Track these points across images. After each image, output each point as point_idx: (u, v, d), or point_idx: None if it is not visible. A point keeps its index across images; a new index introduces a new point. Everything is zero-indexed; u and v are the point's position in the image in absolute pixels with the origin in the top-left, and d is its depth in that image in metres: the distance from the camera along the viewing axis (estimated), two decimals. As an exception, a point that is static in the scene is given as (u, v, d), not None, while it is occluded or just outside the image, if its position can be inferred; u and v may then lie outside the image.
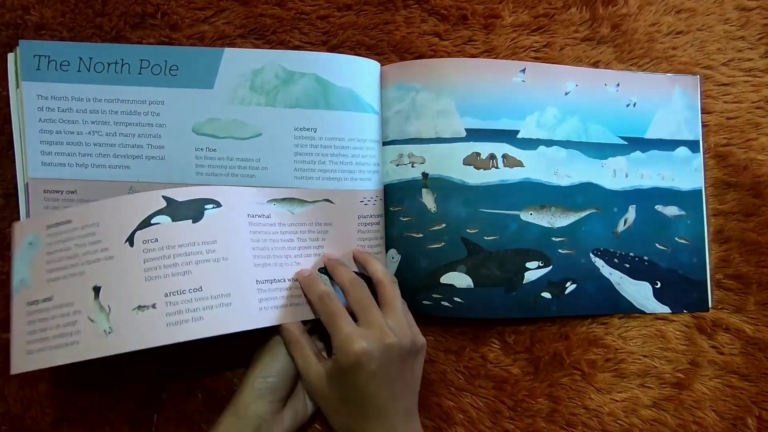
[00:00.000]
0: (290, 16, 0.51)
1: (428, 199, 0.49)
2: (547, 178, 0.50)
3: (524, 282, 0.50)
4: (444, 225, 0.49)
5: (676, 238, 0.52)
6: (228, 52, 0.47)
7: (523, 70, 0.50)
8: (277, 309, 0.44)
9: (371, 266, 0.46)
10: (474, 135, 0.49)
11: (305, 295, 0.45)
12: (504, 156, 0.50)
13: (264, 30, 0.50)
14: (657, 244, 0.52)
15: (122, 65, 0.47)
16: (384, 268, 0.46)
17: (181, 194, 0.43)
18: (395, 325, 0.42)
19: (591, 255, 0.51)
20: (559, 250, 0.51)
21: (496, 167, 0.50)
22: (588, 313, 0.52)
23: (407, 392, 0.43)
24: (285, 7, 0.51)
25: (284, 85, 0.47)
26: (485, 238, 0.49)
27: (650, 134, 0.52)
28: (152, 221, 0.41)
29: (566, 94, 0.51)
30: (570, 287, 0.51)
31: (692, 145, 0.53)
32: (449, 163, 0.49)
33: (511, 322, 0.52)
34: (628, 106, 0.52)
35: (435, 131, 0.49)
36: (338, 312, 0.42)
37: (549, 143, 0.51)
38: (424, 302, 0.49)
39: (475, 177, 0.49)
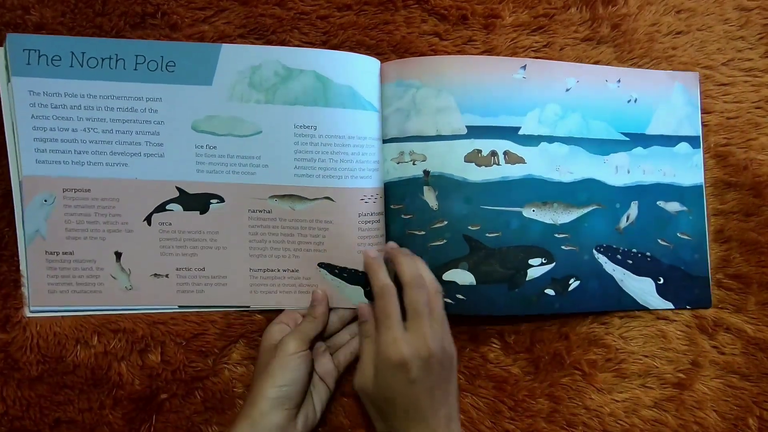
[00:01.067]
0: (290, 16, 0.52)
1: (430, 197, 0.50)
2: (549, 174, 0.51)
3: (527, 279, 0.51)
4: (446, 222, 0.50)
5: (678, 234, 0.53)
6: (226, 48, 0.48)
7: (524, 67, 0.51)
8: (267, 294, 0.51)
9: (399, 267, 0.46)
10: (475, 132, 0.50)
11: (370, 279, 0.47)
12: (505, 153, 0.50)
13: (264, 30, 0.51)
14: (659, 240, 0.53)
15: (116, 60, 0.47)
16: (414, 270, 0.45)
17: (192, 186, 0.49)
18: (435, 334, 0.44)
19: (594, 251, 0.52)
20: (563, 247, 0.51)
21: (498, 164, 0.50)
22: (591, 310, 0.53)
23: (447, 399, 0.44)
24: (285, 7, 0.52)
25: (283, 83, 0.48)
26: (487, 235, 0.50)
27: (651, 130, 0.53)
28: (167, 207, 0.49)
29: (567, 90, 0.52)
30: (573, 284, 0.52)
31: (693, 141, 0.54)
32: (450, 160, 0.50)
33: (511, 322, 0.53)
34: (629, 102, 0.53)
35: (436, 128, 0.50)
36: (392, 313, 0.44)
37: (550, 139, 0.51)
38: None
39: (476, 174, 0.50)
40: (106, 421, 0.49)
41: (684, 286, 0.53)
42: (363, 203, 0.49)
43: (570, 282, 0.52)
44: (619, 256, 0.52)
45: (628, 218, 0.53)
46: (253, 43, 0.51)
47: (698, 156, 0.54)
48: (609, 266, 0.52)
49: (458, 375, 0.52)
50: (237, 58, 0.48)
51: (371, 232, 0.50)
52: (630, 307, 0.53)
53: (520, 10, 0.53)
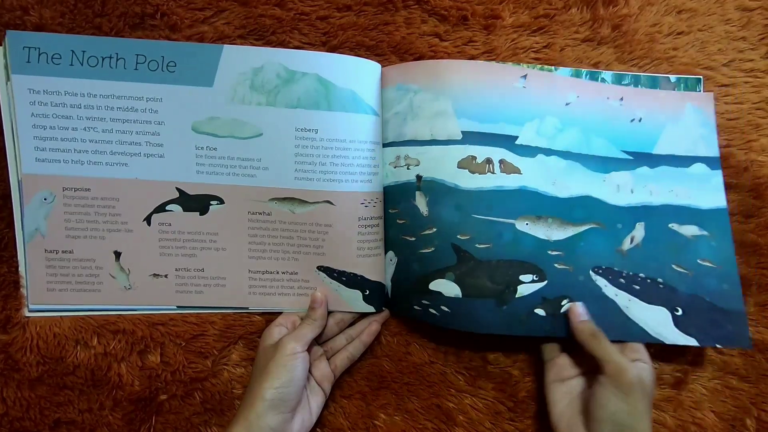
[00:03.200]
0: (290, 17, 0.53)
1: (421, 203, 0.50)
2: (545, 187, 0.50)
3: (517, 296, 0.49)
4: (435, 229, 0.50)
5: (698, 261, 0.50)
6: (227, 49, 0.49)
7: (525, 77, 0.51)
8: (265, 296, 0.53)
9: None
10: (470, 138, 0.50)
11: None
12: (501, 161, 0.50)
13: (264, 30, 0.53)
14: (674, 266, 0.50)
15: (117, 60, 0.48)
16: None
17: (191, 188, 0.50)
18: None
19: (591, 273, 0.50)
20: (555, 265, 0.50)
21: (492, 172, 0.49)
22: None
23: None
24: (285, 7, 0.53)
25: (285, 85, 0.49)
26: (477, 245, 0.49)
27: (659, 149, 0.52)
28: (167, 207, 0.51)
29: (567, 104, 0.52)
30: (566, 305, 0.49)
31: (711, 162, 0.52)
32: (443, 165, 0.50)
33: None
34: (633, 121, 0.52)
35: (431, 133, 0.50)
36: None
37: (548, 152, 0.51)
38: (415, 307, 0.51)
39: (469, 181, 0.49)
40: (106, 422, 0.51)
41: (711, 320, 0.49)
42: (363, 207, 0.51)
43: (562, 303, 0.49)
44: (622, 280, 0.50)
45: (632, 240, 0.50)
46: (252, 44, 0.52)
47: (718, 178, 0.52)
48: (610, 290, 0.50)
49: (458, 376, 0.54)
50: (238, 60, 0.49)
51: (371, 236, 0.51)
52: (640, 338, 0.49)
53: (520, 10, 0.55)
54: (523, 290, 0.49)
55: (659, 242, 0.50)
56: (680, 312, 0.49)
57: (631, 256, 0.50)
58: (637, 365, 0.45)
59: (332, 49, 0.53)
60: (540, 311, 0.49)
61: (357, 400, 0.53)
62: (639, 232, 0.51)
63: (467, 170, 0.50)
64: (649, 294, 0.50)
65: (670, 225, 0.51)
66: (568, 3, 0.55)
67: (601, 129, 0.52)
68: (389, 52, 0.54)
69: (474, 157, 0.50)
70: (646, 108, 0.53)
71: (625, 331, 0.49)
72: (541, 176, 0.50)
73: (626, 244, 0.51)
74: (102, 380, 0.51)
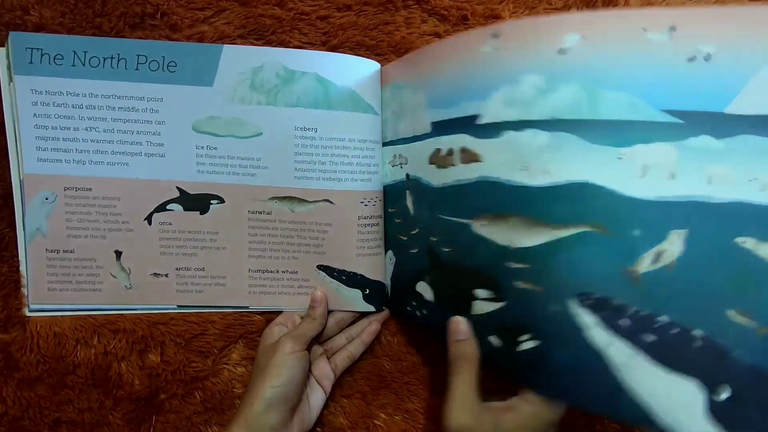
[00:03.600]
0: (290, 17, 0.53)
1: (410, 202, 0.49)
2: (510, 175, 0.35)
3: (472, 313, 0.39)
4: (417, 230, 0.47)
5: None
6: (227, 49, 0.49)
7: (496, 36, 0.35)
8: (266, 295, 0.53)
9: None
10: (438, 128, 0.41)
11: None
12: (462, 150, 0.38)
13: (264, 30, 0.53)
14: (731, 312, 0.29)
15: (118, 60, 0.48)
16: None
17: (192, 187, 0.50)
18: None
19: (571, 301, 0.33)
20: (515, 283, 0.35)
21: (453, 164, 0.39)
22: (551, 395, 0.35)
23: None
24: (285, 7, 0.53)
25: (285, 84, 0.49)
26: (443, 249, 0.42)
27: (739, 107, 0.29)
28: (167, 207, 0.51)
29: (561, 51, 0.33)
30: (525, 343, 0.35)
31: None
32: (420, 162, 0.44)
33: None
34: (692, 60, 0.30)
35: (412, 129, 0.46)
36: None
37: (520, 126, 0.34)
38: (407, 308, 0.51)
39: (437, 177, 0.41)
40: (106, 422, 0.51)
41: None
42: (363, 206, 0.51)
43: (520, 339, 0.35)
44: (624, 321, 0.31)
45: (658, 257, 0.31)
46: (252, 44, 0.52)
47: None
48: (599, 334, 0.32)
49: (458, 376, 0.54)
50: (238, 59, 0.49)
51: (371, 235, 0.51)
52: (632, 420, 0.31)
53: (520, 10, 0.55)
54: (478, 307, 0.38)
55: (711, 266, 0.30)
56: (725, 394, 0.29)
57: (649, 283, 0.31)
58: (511, 406, 0.37)
59: (332, 49, 0.53)
60: (495, 340, 0.38)
61: (357, 399, 0.53)
62: (674, 244, 0.31)
63: (435, 165, 0.41)
64: (673, 353, 0.30)
65: (738, 239, 0.29)
66: (568, 3, 0.55)
67: (623, 78, 0.32)
68: (389, 51, 0.54)
69: (439, 150, 0.41)
70: (723, 38, 0.30)
71: (609, 404, 0.32)
72: (505, 161, 0.35)
73: (644, 264, 0.31)
74: (102, 379, 0.51)
